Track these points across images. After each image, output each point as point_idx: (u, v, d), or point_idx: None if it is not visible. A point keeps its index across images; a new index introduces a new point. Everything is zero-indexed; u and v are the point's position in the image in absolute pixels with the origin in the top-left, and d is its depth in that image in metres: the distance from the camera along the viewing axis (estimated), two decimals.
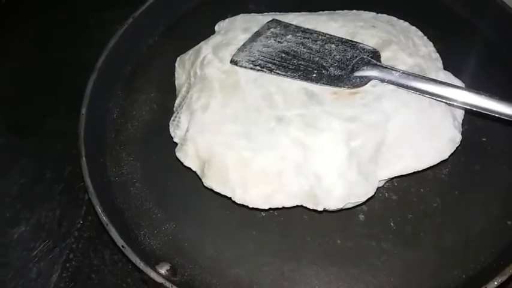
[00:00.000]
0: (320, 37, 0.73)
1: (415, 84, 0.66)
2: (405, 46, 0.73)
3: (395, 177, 0.67)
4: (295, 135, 0.64)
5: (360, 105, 0.65)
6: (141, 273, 0.64)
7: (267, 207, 0.64)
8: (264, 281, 0.65)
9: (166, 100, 0.78)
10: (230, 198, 0.65)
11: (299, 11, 0.80)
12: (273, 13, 0.80)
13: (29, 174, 0.87)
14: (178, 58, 0.79)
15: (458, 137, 0.67)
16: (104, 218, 0.65)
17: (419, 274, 0.64)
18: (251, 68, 0.70)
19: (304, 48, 0.72)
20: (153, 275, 0.61)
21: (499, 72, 0.78)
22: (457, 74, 0.71)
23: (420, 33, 0.77)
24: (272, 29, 0.75)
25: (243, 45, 0.73)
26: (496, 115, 0.62)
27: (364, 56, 0.69)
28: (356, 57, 0.70)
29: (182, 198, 0.71)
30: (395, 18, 0.79)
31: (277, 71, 0.69)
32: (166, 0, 0.87)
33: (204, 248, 0.67)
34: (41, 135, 0.92)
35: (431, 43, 0.76)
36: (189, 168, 0.68)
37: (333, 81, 0.68)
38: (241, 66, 0.70)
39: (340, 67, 0.69)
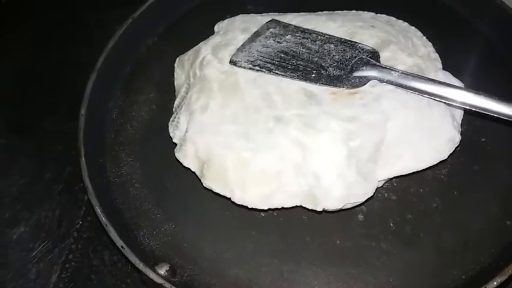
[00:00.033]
0: (319, 37, 0.73)
1: (414, 84, 0.66)
2: (404, 46, 0.73)
3: (395, 177, 0.67)
4: (294, 135, 0.64)
5: (359, 105, 0.65)
6: (140, 274, 0.64)
7: (266, 208, 0.64)
8: (263, 282, 0.65)
9: (165, 101, 0.78)
10: (229, 198, 0.65)
11: (298, 12, 0.80)
12: (272, 13, 0.80)
13: (29, 175, 0.87)
14: (177, 59, 0.79)
15: (457, 137, 0.67)
16: (103, 218, 0.65)
17: (418, 274, 0.64)
18: (250, 68, 0.70)
19: (303, 48, 0.71)
20: (152, 275, 0.61)
21: (499, 72, 0.78)
22: (456, 74, 0.71)
23: (419, 33, 0.77)
24: (271, 29, 0.75)
25: (242, 45, 0.73)
26: (495, 115, 0.62)
27: (363, 56, 0.69)
28: (355, 57, 0.69)
29: (181, 198, 0.71)
30: (394, 19, 0.79)
31: (276, 71, 0.69)
32: (166, 0, 0.87)
33: (203, 248, 0.67)
34: (41, 135, 0.92)
35: (430, 43, 0.76)
36: (188, 169, 0.68)
37: (332, 81, 0.68)
38: (240, 66, 0.70)
39: (339, 67, 0.69)
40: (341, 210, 0.65)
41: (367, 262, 0.65)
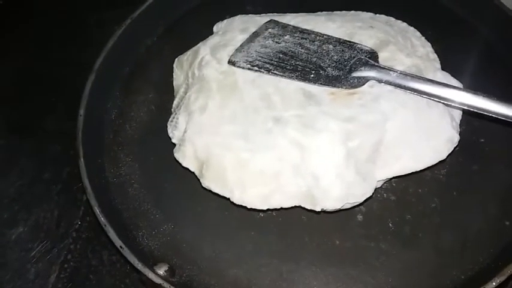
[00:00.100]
0: (318, 38, 0.72)
1: (413, 85, 0.66)
2: (403, 47, 0.73)
3: (394, 177, 0.67)
4: (293, 135, 0.64)
5: (357, 105, 0.65)
6: (139, 274, 0.64)
7: (265, 208, 0.64)
8: (263, 282, 0.65)
9: (164, 101, 0.78)
10: (228, 199, 0.65)
11: (297, 12, 0.80)
12: (271, 14, 0.80)
13: (27, 175, 0.87)
14: (176, 59, 0.79)
15: (456, 138, 0.67)
16: (102, 218, 0.65)
17: (417, 274, 0.64)
18: (249, 69, 0.70)
19: (302, 48, 0.71)
20: (151, 275, 0.61)
21: (498, 73, 0.78)
22: (455, 74, 0.71)
23: (418, 33, 0.77)
24: (270, 30, 0.75)
25: (240, 45, 0.73)
26: (494, 116, 0.62)
27: (362, 57, 0.69)
28: (354, 57, 0.69)
29: (180, 199, 0.71)
30: (393, 19, 0.79)
31: (274, 72, 0.69)
32: (165, 1, 0.87)
33: (202, 248, 0.67)
34: (40, 135, 0.92)
35: (429, 43, 0.76)
36: (187, 169, 0.68)
37: (331, 81, 0.68)
38: (238, 66, 0.70)
39: (338, 67, 0.69)
40: (340, 210, 0.65)
41: (366, 262, 0.65)
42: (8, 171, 0.88)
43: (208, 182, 0.66)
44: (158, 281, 0.61)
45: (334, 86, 0.67)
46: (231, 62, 0.71)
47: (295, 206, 0.65)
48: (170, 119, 0.72)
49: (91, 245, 0.80)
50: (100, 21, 1.05)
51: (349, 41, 0.72)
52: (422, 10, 0.84)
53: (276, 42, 0.73)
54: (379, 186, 0.68)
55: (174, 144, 0.70)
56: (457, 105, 0.65)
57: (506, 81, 0.77)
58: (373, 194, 0.65)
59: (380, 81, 0.67)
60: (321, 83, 0.67)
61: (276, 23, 0.75)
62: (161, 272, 0.63)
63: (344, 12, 0.81)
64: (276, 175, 0.64)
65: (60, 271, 0.78)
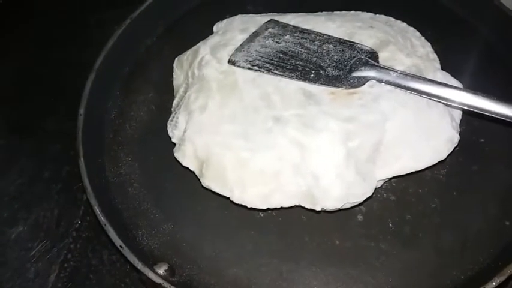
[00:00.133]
0: (318, 37, 0.72)
1: (413, 85, 0.66)
2: (403, 47, 0.73)
3: (394, 177, 0.67)
4: (293, 135, 0.64)
5: (357, 105, 0.65)
6: (139, 274, 0.64)
7: (265, 207, 0.64)
8: (263, 282, 0.65)
9: (164, 101, 0.78)
10: (228, 198, 0.65)
11: (297, 12, 0.80)
12: (271, 14, 0.80)
13: (27, 174, 0.87)
14: (176, 59, 0.79)
15: (456, 138, 0.67)
16: (102, 218, 0.65)
17: (417, 274, 0.64)
18: (249, 68, 0.70)
19: (302, 48, 0.71)
20: (151, 275, 0.61)
21: (498, 73, 0.78)
22: (455, 74, 0.71)
23: (418, 33, 0.77)
24: (270, 29, 0.75)
25: (240, 45, 0.73)
26: (494, 116, 0.62)
27: (362, 57, 0.69)
28: (354, 57, 0.69)
29: (180, 198, 0.71)
30: (393, 19, 0.79)
31: (274, 71, 0.69)
32: (165, 1, 0.87)
33: (202, 248, 0.67)
34: (40, 135, 0.92)
35: (429, 44, 0.76)
36: (187, 169, 0.68)
37: (331, 81, 0.68)
38: (238, 66, 0.70)
39: (338, 67, 0.69)
40: (340, 210, 0.65)
41: (366, 262, 0.65)
42: (8, 171, 0.88)
43: (208, 182, 0.65)
44: (158, 280, 0.61)
45: (334, 86, 0.67)
46: (231, 62, 0.71)
47: (295, 206, 0.65)
48: (170, 119, 0.72)
49: (91, 245, 0.80)
50: (100, 21, 1.05)
51: (349, 41, 0.72)
52: (422, 10, 0.85)
53: (276, 42, 0.73)
54: (379, 186, 0.68)
55: (174, 144, 0.70)
56: (457, 105, 0.65)
57: (506, 81, 0.77)
58: (373, 193, 0.65)
59: (380, 81, 0.67)
60: (321, 83, 0.67)
61: (276, 22, 0.75)
62: (161, 271, 0.63)
63: (344, 12, 0.81)
64: (276, 174, 0.64)
65: (60, 270, 0.78)
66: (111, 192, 0.72)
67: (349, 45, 0.71)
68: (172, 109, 0.74)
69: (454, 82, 0.69)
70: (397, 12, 0.80)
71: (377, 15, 0.80)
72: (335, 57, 0.70)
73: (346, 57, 0.70)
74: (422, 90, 0.65)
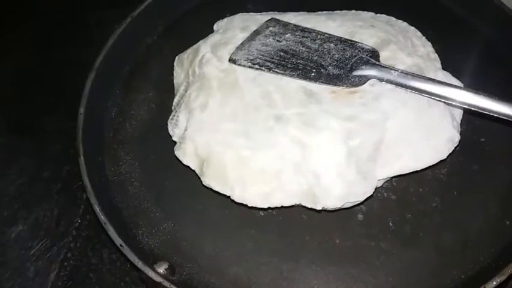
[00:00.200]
0: (319, 36, 0.72)
1: (414, 84, 0.66)
2: (404, 46, 0.73)
3: (394, 177, 0.67)
4: (294, 134, 0.64)
5: (358, 104, 0.65)
6: (139, 272, 0.64)
7: (265, 206, 0.64)
8: (263, 281, 0.65)
9: (164, 99, 0.78)
10: (229, 197, 0.65)
11: (297, 12, 0.80)
12: (272, 12, 0.80)
13: (27, 174, 0.87)
14: (176, 57, 0.79)
15: (456, 137, 0.67)
16: (102, 217, 0.65)
17: (418, 274, 0.64)
18: (249, 67, 0.70)
19: (303, 47, 0.71)
20: (151, 274, 0.61)
21: (498, 73, 0.78)
22: (455, 74, 0.71)
23: (419, 33, 0.77)
24: (271, 28, 0.74)
25: (241, 43, 0.73)
26: (495, 115, 0.62)
27: (363, 56, 0.69)
28: (355, 56, 0.69)
29: (180, 197, 0.71)
30: (394, 18, 0.79)
31: (275, 70, 0.69)
32: (165, 0, 0.87)
33: (202, 247, 0.67)
34: (40, 135, 0.93)
35: (429, 43, 0.76)
36: (188, 167, 0.68)
37: (332, 80, 0.67)
38: (239, 64, 0.70)
39: (339, 66, 0.69)
40: (340, 209, 0.65)
41: (367, 261, 0.65)
42: (8, 170, 0.88)
43: (208, 180, 0.65)
44: (158, 279, 0.61)
45: (335, 85, 0.67)
46: (232, 60, 0.71)
47: (296, 205, 0.65)
48: (170, 117, 0.72)
49: (91, 244, 0.80)
50: (100, 21, 1.05)
51: (350, 40, 0.72)
52: (422, 10, 0.85)
53: (277, 40, 0.73)
54: (379, 185, 0.68)
55: (174, 143, 0.70)
56: (458, 104, 0.64)
57: (506, 81, 0.77)
58: (373, 193, 0.65)
59: (381, 80, 0.67)
60: (322, 82, 0.67)
61: (277, 21, 0.75)
62: (161, 270, 0.63)
63: (344, 11, 0.81)
64: (277, 173, 0.63)
65: (60, 269, 0.78)
66: (111, 191, 0.72)
67: (350, 44, 0.71)
68: (173, 107, 0.74)
69: (455, 82, 0.69)
70: (397, 12, 0.80)
71: (378, 14, 0.80)
72: (336, 56, 0.70)
73: (347, 56, 0.70)
74: (423, 89, 0.65)
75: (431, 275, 0.64)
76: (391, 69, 0.67)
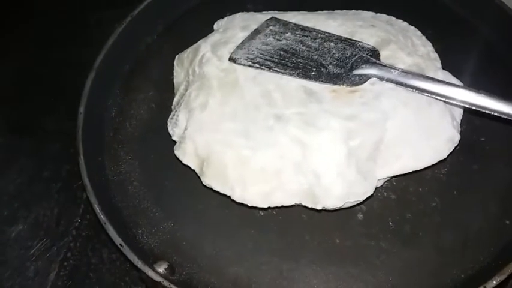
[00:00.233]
0: (319, 35, 0.72)
1: (414, 83, 0.65)
2: (404, 46, 0.73)
3: (394, 176, 0.67)
4: (294, 133, 0.64)
5: (358, 103, 0.65)
6: (139, 272, 0.64)
7: (266, 206, 0.64)
8: (263, 280, 0.65)
9: (164, 99, 0.78)
10: (229, 196, 0.65)
11: (297, 11, 0.80)
12: (272, 12, 0.80)
13: (27, 173, 0.87)
14: (176, 56, 0.79)
15: (456, 137, 0.67)
16: (102, 216, 0.65)
17: (418, 273, 0.64)
18: (250, 66, 0.70)
19: (303, 46, 0.71)
20: (151, 273, 0.61)
21: (498, 73, 0.78)
22: (456, 74, 0.71)
23: (419, 33, 0.77)
24: (271, 27, 0.74)
25: (241, 42, 0.73)
26: (495, 114, 0.62)
27: (363, 55, 0.69)
28: (355, 55, 0.69)
29: (180, 197, 0.71)
30: (394, 18, 0.79)
31: (275, 69, 0.69)
32: None
33: (202, 246, 0.67)
34: (40, 135, 0.93)
35: (430, 43, 0.76)
36: (188, 167, 0.68)
37: (332, 79, 0.67)
38: (239, 63, 0.70)
39: (339, 65, 0.69)
40: (340, 209, 0.65)
41: (367, 261, 0.65)
42: (7, 170, 0.88)
43: (209, 180, 0.65)
44: (158, 279, 0.61)
45: (336, 84, 0.67)
46: (232, 59, 0.71)
47: (296, 205, 0.65)
48: (170, 117, 0.72)
49: (91, 243, 0.80)
50: (100, 21, 1.05)
51: (351, 39, 0.71)
52: (422, 10, 0.84)
53: (277, 39, 0.73)
54: (379, 185, 0.68)
55: (174, 142, 0.70)
56: (458, 103, 0.64)
57: (506, 81, 0.77)
58: (373, 192, 0.65)
59: (381, 79, 0.67)
60: (322, 81, 0.67)
61: (277, 20, 0.75)
62: (161, 270, 0.63)
63: (344, 11, 0.81)
64: (277, 173, 0.63)
65: (60, 269, 0.78)
66: (111, 190, 0.72)
67: (351, 43, 0.71)
68: (173, 107, 0.74)
69: (455, 81, 0.69)
70: (398, 11, 0.80)
71: (378, 14, 0.80)
72: (336, 55, 0.70)
73: (348, 55, 0.69)
74: (423, 88, 0.65)
75: (431, 275, 0.64)
76: (392, 68, 0.67)
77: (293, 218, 0.68)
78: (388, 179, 0.68)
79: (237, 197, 0.64)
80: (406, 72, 0.66)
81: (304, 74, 0.68)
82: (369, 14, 0.79)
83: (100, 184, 0.71)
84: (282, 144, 0.64)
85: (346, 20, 0.75)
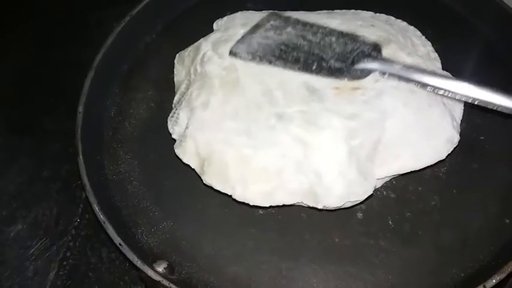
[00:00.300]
0: (320, 30, 0.71)
1: (417, 77, 0.65)
2: (404, 45, 0.72)
3: (393, 176, 0.67)
4: (296, 132, 0.64)
5: (360, 101, 0.65)
6: (138, 272, 0.64)
7: (267, 205, 0.64)
8: (262, 279, 0.65)
9: (163, 98, 0.78)
10: (229, 196, 0.65)
11: (297, 11, 0.79)
12: (272, 11, 0.79)
13: (27, 173, 0.88)
14: (177, 55, 0.79)
15: (456, 138, 0.67)
16: (101, 216, 0.65)
17: (417, 272, 0.64)
18: (250, 60, 0.69)
19: (304, 40, 0.71)
20: (150, 273, 0.61)
21: (498, 72, 0.78)
22: (455, 74, 0.70)
23: (418, 32, 0.77)
24: (272, 22, 0.73)
25: (242, 37, 0.72)
26: (498, 109, 0.61)
27: (365, 49, 0.69)
28: (357, 49, 0.69)
29: (180, 196, 0.71)
30: (393, 18, 0.79)
31: (276, 63, 0.69)
32: None
33: (201, 246, 0.67)
34: (40, 134, 0.93)
35: (429, 43, 0.76)
36: (187, 166, 0.67)
37: (333, 73, 0.67)
38: (240, 57, 0.70)
39: (341, 59, 0.68)
40: (340, 208, 0.65)
41: (366, 260, 0.65)
42: (7, 169, 0.88)
43: (209, 179, 0.65)
44: (157, 278, 0.61)
45: (337, 78, 0.66)
46: (233, 53, 0.70)
47: (297, 204, 0.65)
48: (171, 115, 0.72)
49: (90, 243, 0.80)
50: (100, 21, 1.05)
51: (352, 34, 0.71)
52: (422, 9, 0.84)
53: (278, 34, 0.72)
54: (379, 185, 0.68)
55: (174, 142, 0.70)
56: (461, 97, 0.64)
57: (506, 80, 0.76)
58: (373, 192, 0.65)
59: (383, 73, 0.66)
60: (323, 75, 0.67)
61: (278, 15, 0.74)
62: (160, 269, 0.63)
63: (344, 11, 0.80)
64: (278, 172, 0.63)
65: (59, 268, 0.78)
66: (110, 190, 0.72)
67: (352, 38, 0.70)
68: (173, 105, 0.74)
69: None
70: (397, 11, 0.80)
71: (377, 14, 0.80)
72: (337, 49, 0.69)
73: (349, 50, 0.69)
74: (426, 82, 0.65)
75: (430, 273, 0.64)
76: (394, 62, 0.67)
77: (293, 217, 0.68)
78: (388, 179, 0.68)
79: (238, 196, 0.64)
80: (409, 67, 0.66)
81: (305, 68, 0.68)
82: (368, 14, 0.79)
83: (99, 183, 0.71)
84: (284, 143, 0.64)
85: (346, 20, 0.75)
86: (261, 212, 0.68)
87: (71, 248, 0.80)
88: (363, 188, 0.63)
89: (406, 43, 0.74)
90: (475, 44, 0.82)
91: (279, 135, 0.64)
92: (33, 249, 0.79)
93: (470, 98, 0.63)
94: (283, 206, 0.65)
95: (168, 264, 0.64)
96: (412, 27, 0.78)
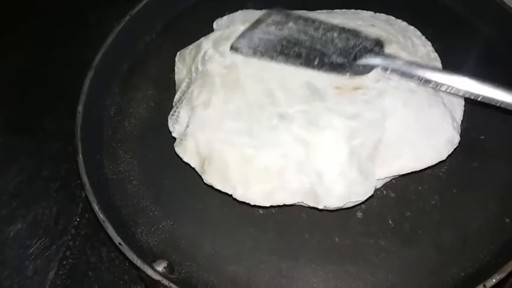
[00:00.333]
0: (322, 25, 0.71)
1: (420, 72, 0.65)
2: (404, 45, 0.72)
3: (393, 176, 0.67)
4: (298, 132, 0.64)
5: (361, 101, 0.65)
6: (138, 271, 0.64)
7: (268, 205, 0.64)
8: (262, 279, 0.65)
9: (163, 97, 0.78)
10: (229, 195, 0.65)
11: (297, 10, 0.79)
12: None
13: (26, 173, 0.87)
14: (178, 53, 0.78)
15: (456, 138, 0.67)
16: (101, 215, 0.65)
17: (417, 272, 0.64)
18: (252, 55, 0.69)
19: (305, 35, 0.70)
20: (150, 272, 0.61)
21: (499, 72, 0.77)
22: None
23: (419, 32, 0.77)
24: (273, 17, 0.73)
25: (243, 32, 0.72)
26: (501, 105, 0.61)
27: (367, 45, 0.68)
28: (359, 45, 0.68)
29: (179, 195, 0.71)
30: (393, 18, 0.79)
31: (278, 58, 0.68)
32: None
33: (201, 245, 0.67)
34: (40, 134, 0.93)
35: (429, 43, 0.76)
36: (187, 165, 0.67)
37: (335, 68, 0.67)
38: (241, 53, 0.70)
39: (343, 55, 0.67)
40: (340, 208, 0.65)
41: (366, 259, 0.65)
42: (7, 169, 0.88)
43: (210, 178, 0.65)
44: (157, 277, 0.61)
45: (339, 73, 0.66)
46: (234, 48, 0.70)
47: (297, 203, 0.65)
48: (171, 113, 0.72)
49: (90, 242, 0.80)
50: (100, 21, 1.05)
51: (354, 30, 0.70)
52: (422, 9, 0.84)
53: (280, 29, 0.71)
54: (379, 186, 0.68)
55: (173, 141, 0.70)
56: (464, 94, 0.63)
57: (506, 80, 0.75)
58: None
59: (386, 68, 0.66)
60: (325, 70, 0.67)
61: (279, 10, 0.73)
62: (160, 268, 0.63)
63: (344, 10, 0.80)
64: (280, 172, 0.63)
65: (59, 268, 0.78)
66: (110, 189, 0.72)
67: (354, 33, 0.70)
68: (174, 103, 0.74)
69: None
70: (397, 11, 0.80)
71: (377, 14, 0.80)
72: (339, 44, 0.69)
73: (351, 45, 0.68)
74: (429, 78, 0.64)
75: (430, 273, 0.64)
76: (396, 58, 0.67)
77: (293, 216, 0.68)
78: (388, 179, 0.68)
79: (240, 195, 0.64)
80: (411, 63, 0.66)
81: (307, 63, 0.67)
82: (368, 14, 0.79)
83: (99, 183, 0.71)
84: (286, 143, 0.64)
85: (346, 20, 0.74)
86: (261, 211, 0.68)
87: (71, 248, 0.79)
88: (363, 188, 0.63)
89: (406, 43, 0.73)
90: (475, 44, 0.82)
91: (280, 135, 0.64)
92: (33, 249, 0.79)
93: (473, 94, 0.62)
94: (284, 205, 0.65)
95: (167, 264, 0.64)
96: (412, 27, 0.78)
